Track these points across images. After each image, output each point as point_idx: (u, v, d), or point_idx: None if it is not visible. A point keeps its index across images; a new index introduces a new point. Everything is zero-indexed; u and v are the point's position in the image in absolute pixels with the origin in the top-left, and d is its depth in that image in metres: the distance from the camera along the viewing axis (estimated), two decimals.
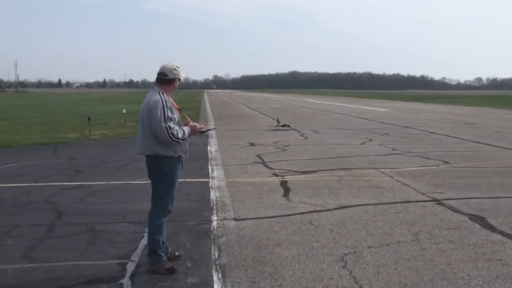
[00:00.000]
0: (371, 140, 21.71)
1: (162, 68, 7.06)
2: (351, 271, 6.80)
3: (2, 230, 8.64)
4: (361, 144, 20.51)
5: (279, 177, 13.21)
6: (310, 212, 9.75)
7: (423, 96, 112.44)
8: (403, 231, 8.48)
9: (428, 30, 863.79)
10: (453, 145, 20.09)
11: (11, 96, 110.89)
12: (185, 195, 10.81)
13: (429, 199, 10.75)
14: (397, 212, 9.65)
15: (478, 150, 18.49)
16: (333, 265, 7.01)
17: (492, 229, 8.63)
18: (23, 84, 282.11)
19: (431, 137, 23.22)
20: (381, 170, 14.17)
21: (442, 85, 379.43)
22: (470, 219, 9.21)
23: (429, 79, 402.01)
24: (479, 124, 31.35)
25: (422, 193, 11.24)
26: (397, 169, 14.27)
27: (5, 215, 9.61)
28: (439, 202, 10.47)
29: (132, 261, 7.25)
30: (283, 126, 28.30)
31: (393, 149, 18.65)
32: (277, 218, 9.32)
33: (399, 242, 7.94)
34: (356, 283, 6.43)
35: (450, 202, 10.39)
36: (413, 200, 10.66)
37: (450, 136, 23.34)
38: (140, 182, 12.14)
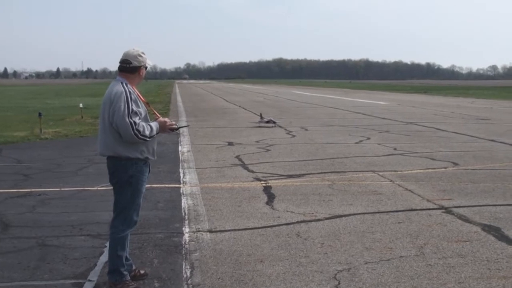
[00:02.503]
0: (368, 139, 21.87)
1: (125, 54, 7.04)
2: None
3: None
4: (357, 143, 20.65)
5: (262, 182, 13.26)
6: (297, 222, 9.80)
7: (430, 87, 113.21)
8: (406, 244, 8.56)
9: (434, 10, 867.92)
10: (463, 144, 20.27)
11: None
12: (152, 203, 10.82)
13: (435, 206, 10.85)
14: (399, 222, 9.74)
15: (493, 150, 18.70)
16: (324, 284, 7.05)
17: (509, 241, 8.73)
18: None
19: (439, 134, 23.42)
20: (380, 173, 14.29)
21: (451, 74, 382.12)
22: (483, 229, 9.31)
23: (436, 67, 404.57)
24: (494, 119, 31.65)
25: (428, 200, 11.35)
26: (399, 172, 14.39)
27: None
28: (447, 210, 10.57)
29: (90, 280, 7.24)
30: (267, 122, 27.98)
31: (395, 149, 18.80)
32: (259, 230, 9.36)
33: (401, 257, 8.01)
34: None
35: (460, 210, 10.50)
36: (417, 208, 10.76)
37: (460, 134, 23.56)
38: (100, 188, 12.13)
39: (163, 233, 9.21)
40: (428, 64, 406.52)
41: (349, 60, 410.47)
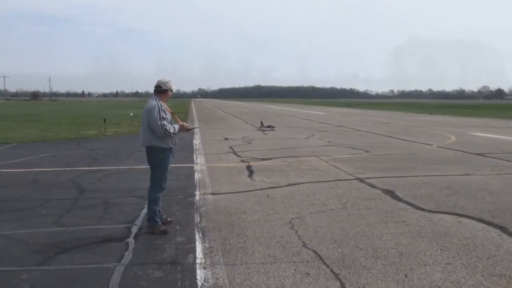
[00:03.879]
0: (313, 136, 21.80)
1: (158, 82, 7.02)
2: (296, 231, 6.85)
3: (38, 203, 8.53)
4: (306, 138, 20.58)
5: (245, 163, 13.22)
6: (267, 188, 9.76)
7: (352, 103, 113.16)
8: (335, 202, 8.55)
9: (354, 56, 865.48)
10: (372, 138, 20.26)
11: (45, 103, 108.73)
12: (175, 176, 10.76)
13: (354, 178, 10.85)
14: (331, 188, 9.72)
15: (390, 142, 18.72)
16: (283, 226, 7.06)
17: (399, 199, 8.78)
18: (55, 94, 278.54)
19: (357, 133, 23.41)
20: (320, 157, 14.26)
21: (365, 95, 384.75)
22: (383, 192, 9.34)
23: (356, 91, 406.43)
24: (392, 124, 31.67)
25: (349, 174, 11.34)
26: (332, 156, 14.37)
27: (40, 192, 9.49)
28: (361, 180, 10.57)
29: (135, 225, 7.21)
30: (268, 127, 26.08)
31: (329, 142, 18.73)
32: (243, 193, 9.32)
33: (331, 209, 8.00)
34: (300, 239, 6.49)
35: (369, 180, 10.50)
36: (343, 179, 10.74)
37: (371, 132, 23.57)
38: (142, 167, 12.06)
39: (182, 195, 9.17)
40: (351, 89, 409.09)
41: (302, 86, 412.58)
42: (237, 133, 23.55)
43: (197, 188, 9.85)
